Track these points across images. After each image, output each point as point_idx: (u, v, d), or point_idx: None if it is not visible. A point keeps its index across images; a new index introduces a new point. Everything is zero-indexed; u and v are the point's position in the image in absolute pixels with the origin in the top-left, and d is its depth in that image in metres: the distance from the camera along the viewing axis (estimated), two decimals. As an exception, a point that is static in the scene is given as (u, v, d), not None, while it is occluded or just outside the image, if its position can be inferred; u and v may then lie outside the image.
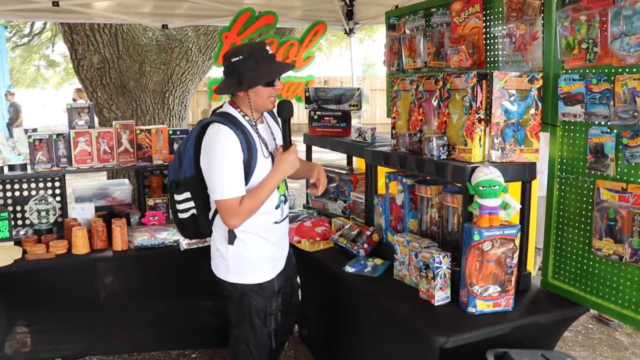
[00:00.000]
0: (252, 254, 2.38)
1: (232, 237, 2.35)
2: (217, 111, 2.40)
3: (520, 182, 2.28)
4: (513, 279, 2.11)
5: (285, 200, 2.49)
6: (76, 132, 3.37)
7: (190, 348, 3.55)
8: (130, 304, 3.29)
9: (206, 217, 2.43)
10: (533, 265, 2.43)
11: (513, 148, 2.20)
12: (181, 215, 2.47)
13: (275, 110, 2.49)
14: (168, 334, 3.41)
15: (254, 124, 2.35)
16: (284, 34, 5.19)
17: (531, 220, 2.32)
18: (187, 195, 2.39)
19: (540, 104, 2.19)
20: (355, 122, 3.57)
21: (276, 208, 2.42)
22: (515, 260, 2.10)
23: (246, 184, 2.26)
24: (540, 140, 2.23)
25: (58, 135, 3.35)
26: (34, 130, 3.94)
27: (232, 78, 2.27)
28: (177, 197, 2.43)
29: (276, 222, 2.44)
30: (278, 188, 2.39)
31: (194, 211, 2.43)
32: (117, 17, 3.98)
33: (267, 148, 2.36)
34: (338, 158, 7.21)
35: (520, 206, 2.14)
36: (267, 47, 2.31)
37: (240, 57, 2.23)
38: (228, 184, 2.19)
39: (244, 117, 2.32)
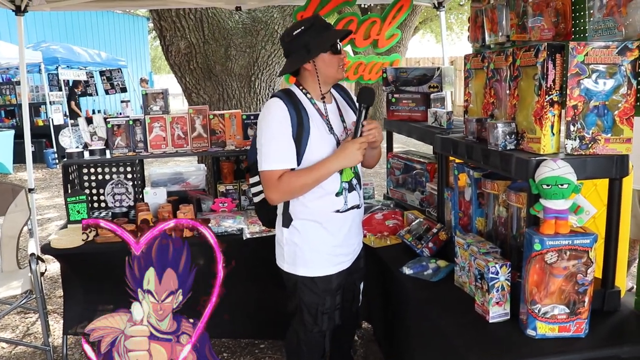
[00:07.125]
0: (305, 243, 2.26)
1: (286, 220, 2.27)
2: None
3: (607, 180, 1.84)
4: (587, 298, 1.71)
5: (352, 189, 2.29)
6: (151, 118, 3.40)
7: (260, 338, 3.49)
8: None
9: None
10: (625, 281, 1.98)
11: (596, 137, 1.78)
12: (255, 199, 2.50)
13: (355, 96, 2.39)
14: (238, 322, 3.35)
15: (315, 102, 2.25)
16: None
17: (622, 227, 1.86)
18: (257, 178, 2.35)
19: (634, 82, 1.74)
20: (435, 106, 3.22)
21: (337, 195, 2.24)
22: (590, 277, 1.69)
23: (300, 160, 2.17)
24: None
25: (134, 121, 3.41)
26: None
27: (298, 51, 2.19)
28: (251, 180, 2.46)
29: (338, 211, 2.26)
30: (341, 174, 2.23)
31: (263, 195, 2.36)
32: (191, 2, 3.94)
33: (329, 127, 2.24)
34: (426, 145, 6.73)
35: (595, 210, 1.72)
36: (323, 17, 2.30)
37: (303, 27, 2.18)
38: (267, 155, 2.14)
39: (305, 94, 2.25)
